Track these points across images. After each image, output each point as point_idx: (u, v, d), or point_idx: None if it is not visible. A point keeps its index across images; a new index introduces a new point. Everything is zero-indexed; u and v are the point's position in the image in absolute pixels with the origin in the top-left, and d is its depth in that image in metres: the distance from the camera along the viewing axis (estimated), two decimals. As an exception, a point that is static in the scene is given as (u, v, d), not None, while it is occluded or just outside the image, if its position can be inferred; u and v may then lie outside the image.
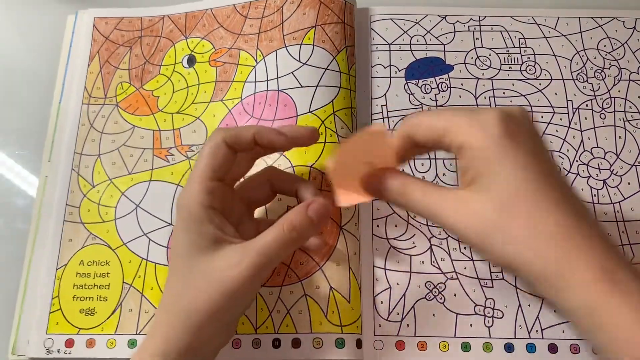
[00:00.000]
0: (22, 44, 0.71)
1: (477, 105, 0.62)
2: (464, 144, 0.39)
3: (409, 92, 0.62)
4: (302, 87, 0.60)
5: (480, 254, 0.50)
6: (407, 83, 0.63)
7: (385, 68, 0.63)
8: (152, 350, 0.42)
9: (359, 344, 0.52)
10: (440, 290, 0.55)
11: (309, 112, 0.59)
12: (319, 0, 0.63)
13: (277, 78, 0.61)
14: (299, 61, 0.61)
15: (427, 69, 0.63)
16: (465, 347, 0.53)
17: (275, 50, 0.62)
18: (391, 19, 0.66)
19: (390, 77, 0.63)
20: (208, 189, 0.44)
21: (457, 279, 0.55)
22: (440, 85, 0.63)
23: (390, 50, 0.64)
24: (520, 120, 0.40)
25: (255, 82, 0.62)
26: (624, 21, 0.65)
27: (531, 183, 0.37)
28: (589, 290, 0.35)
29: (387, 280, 0.55)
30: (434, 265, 0.55)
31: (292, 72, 0.61)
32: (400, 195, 0.43)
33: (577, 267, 0.36)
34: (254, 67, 0.62)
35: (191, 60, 0.64)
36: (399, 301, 0.54)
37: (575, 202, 0.38)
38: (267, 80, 0.61)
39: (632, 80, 0.63)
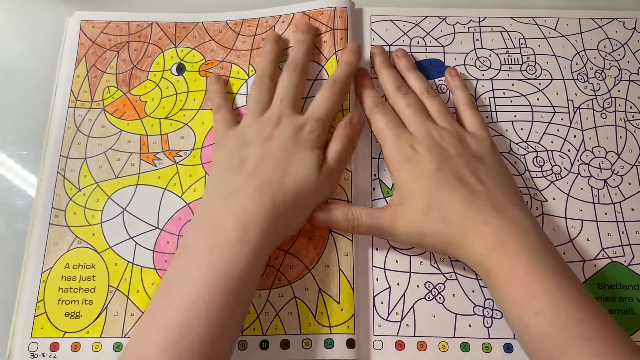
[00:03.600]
0: (22, 44, 0.74)
1: (476, 106, 0.65)
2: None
3: (409, 93, 0.65)
4: None
5: (419, 246, 0.58)
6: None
7: (384, 69, 0.66)
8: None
9: (349, 344, 0.56)
10: (439, 290, 0.58)
11: None
12: (308, 16, 0.68)
13: None
14: None
15: (426, 70, 0.67)
16: (465, 347, 0.56)
17: None
18: (391, 20, 0.70)
19: (390, 77, 0.66)
20: None
21: (457, 279, 0.58)
22: (439, 87, 0.66)
23: (390, 52, 0.68)
24: (424, 141, 0.59)
25: (246, 94, 0.66)
26: (624, 22, 0.70)
27: (436, 192, 0.55)
28: (483, 258, 0.52)
29: (387, 280, 0.59)
30: (433, 266, 0.59)
31: None
32: (349, 221, 0.57)
33: (473, 242, 0.53)
34: (246, 80, 0.67)
35: (180, 69, 0.68)
36: (398, 301, 0.58)
37: (479, 194, 0.55)
38: None
39: (632, 81, 0.67)
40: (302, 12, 0.69)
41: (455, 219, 0.53)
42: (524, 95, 0.67)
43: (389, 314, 0.58)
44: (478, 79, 0.68)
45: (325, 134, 0.60)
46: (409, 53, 0.69)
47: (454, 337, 0.57)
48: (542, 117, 0.66)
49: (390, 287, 0.59)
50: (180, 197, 0.63)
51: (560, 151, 0.64)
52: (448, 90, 0.67)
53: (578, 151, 0.64)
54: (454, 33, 0.70)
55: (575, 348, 0.46)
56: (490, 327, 0.57)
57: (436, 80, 0.68)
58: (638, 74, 0.67)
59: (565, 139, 0.65)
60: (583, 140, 0.65)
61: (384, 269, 0.60)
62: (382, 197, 0.62)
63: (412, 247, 0.60)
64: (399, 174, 0.58)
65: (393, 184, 0.62)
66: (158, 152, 0.65)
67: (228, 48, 0.69)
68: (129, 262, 0.61)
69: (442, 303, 0.58)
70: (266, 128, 0.59)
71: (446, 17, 0.70)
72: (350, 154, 0.61)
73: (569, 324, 0.47)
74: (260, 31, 0.69)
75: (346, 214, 0.57)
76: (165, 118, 0.67)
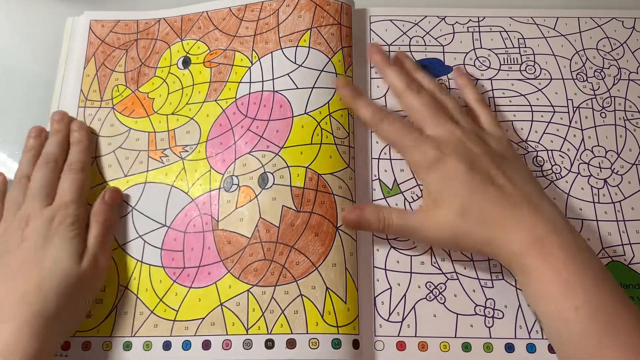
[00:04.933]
0: (23, 44, 0.72)
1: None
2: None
3: (409, 94, 0.64)
4: (298, 88, 0.62)
5: (451, 246, 0.57)
6: (406, 84, 0.64)
7: (384, 69, 0.65)
8: None
9: (355, 344, 0.53)
10: (440, 290, 0.56)
11: (305, 113, 0.61)
12: (315, 3, 0.65)
13: (273, 79, 0.63)
14: (295, 63, 0.63)
15: (426, 70, 0.64)
16: (466, 347, 0.54)
17: (271, 52, 0.64)
18: (390, 20, 0.67)
19: (390, 77, 0.65)
20: None
21: (458, 279, 0.57)
22: None
23: (389, 52, 0.66)
24: (448, 142, 0.55)
25: (250, 82, 0.64)
26: (622, 21, 0.67)
27: (471, 194, 0.52)
28: (521, 255, 0.49)
29: (388, 281, 0.57)
30: (434, 266, 0.57)
31: (288, 74, 0.63)
32: (380, 222, 0.54)
33: (511, 240, 0.50)
34: (249, 68, 0.64)
35: (186, 62, 0.66)
36: (399, 302, 0.56)
37: (511, 193, 0.52)
38: (263, 81, 0.63)
39: (631, 80, 0.64)
40: None
41: (492, 219, 0.52)
42: (524, 95, 0.64)
43: (390, 314, 0.56)
44: (477, 79, 0.65)
45: (81, 216, 0.57)
46: (409, 52, 0.66)
47: (455, 337, 0.55)
48: (542, 116, 0.63)
49: (391, 288, 0.57)
50: (187, 194, 0.61)
51: (560, 151, 0.62)
52: (448, 90, 0.65)
53: (578, 150, 0.62)
54: (453, 33, 0.68)
55: (613, 343, 0.45)
56: (491, 327, 0.55)
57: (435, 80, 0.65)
58: (637, 73, 0.65)
59: (565, 139, 0.63)
60: (583, 139, 0.63)
61: (385, 269, 0.58)
62: (383, 197, 0.60)
63: (443, 247, 0.58)
64: (429, 178, 0.55)
65: (393, 184, 0.61)
66: (165, 149, 0.63)
67: (231, 35, 0.67)
68: (138, 260, 0.59)
69: (443, 303, 0.56)
70: (18, 230, 0.55)
71: (445, 16, 0.68)
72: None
73: (607, 320, 0.46)
74: (263, 15, 0.67)
75: (377, 214, 0.55)
76: (172, 114, 0.65)
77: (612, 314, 0.46)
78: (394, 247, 0.58)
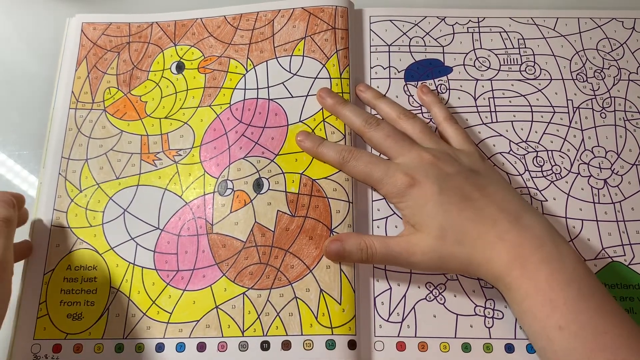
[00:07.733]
0: (23, 44, 0.74)
1: (476, 106, 0.65)
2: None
3: (409, 94, 0.66)
4: (292, 97, 0.64)
5: (438, 270, 0.58)
6: (406, 84, 0.66)
7: (384, 69, 0.67)
8: None
9: (351, 345, 0.55)
10: (440, 291, 0.57)
11: (300, 121, 0.63)
12: (309, 12, 0.68)
13: (268, 87, 0.65)
14: (290, 72, 0.66)
15: (426, 70, 0.67)
16: (466, 347, 0.55)
17: (266, 61, 0.67)
18: (390, 20, 0.69)
19: (390, 78, 0.67)
20: None
21: (457, 279, 0.58)
22: (439, 87, 0.66)
23: (389, 52, 0.68)
24: (417, 166, 0.57)
25: (245, 89, 0.66)
26: (622, 21, 0.69)
27: (446, 215, 0.53)
28: (503, 274, 0.51)
29: (387, 281, 0.58)
30: None
31: (282, 83, 0.65)
32: (363, 252, 0.56)
33: (491, 259, 0.51)
34: (244, 75, 0.66)
35: (180, 67, 0.68)
36: (399, 302, 0.57)
37: (488, 208, 0.54)
38: (258, 89, 0.65)
39: (631, 80, 0.66)
40: (302, 7, 0.69)
41: (470, 238, 0.53)
42: (524, 96, 0.66)
43: (389, 314, 0.57)
44: (477, 79, 0.67)
45: None
46: (408, 52, 0.68)
47: (455, 337, 0.56)
48: (542, 117, 0.65)
49: (391, 288, 0.58)
50: (180, 197, 0.63)
51: (560, 151, 0.64)
52: (448, 90, 0.66)
53: (578, 151, 0.64)
54: (453, 33, 0.69)
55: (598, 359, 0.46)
56: (491, 327, 0.57)
57: (435, 80, 0.67)
58: (637, 73, 0.67)
59: (565, 139, 0.64)
60: (583, 140, 0.64)
61: (385, 269, 0.59)
62: (383, 197, 0.62)
63: (431, 271, 0.59)
64: (403, 205, 0.57)
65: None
66: (158, 152, 0.65)
67: (226, 43, 0.69)
68: (130, 262, 0.60)
69: (443, 303, 0.58)
70: None
71: (445, 17, 0.70)
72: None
73: (593, 337, 0.47)
74: (259, 25, 0.69)
75: (358, 244, 0.56)
76: (165, 118, 0.66)
77: (599, 330, 0.47)
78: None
